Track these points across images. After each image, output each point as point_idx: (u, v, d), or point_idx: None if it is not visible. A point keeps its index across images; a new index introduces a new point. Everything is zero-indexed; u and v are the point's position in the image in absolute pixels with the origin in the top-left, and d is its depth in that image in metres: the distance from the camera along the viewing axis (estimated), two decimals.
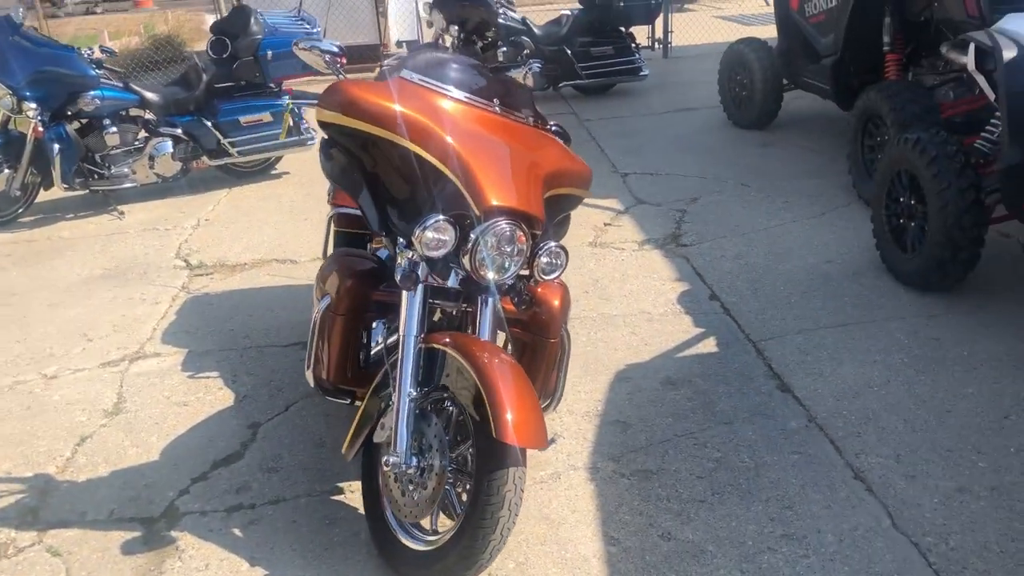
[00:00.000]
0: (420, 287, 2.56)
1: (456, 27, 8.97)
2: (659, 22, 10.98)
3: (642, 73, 9.41)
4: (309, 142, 6.85)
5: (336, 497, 3.07)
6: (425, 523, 2.65)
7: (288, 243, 5.58)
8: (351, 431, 2.78)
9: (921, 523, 2.78)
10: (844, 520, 2.81)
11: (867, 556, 2.65)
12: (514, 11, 9.30)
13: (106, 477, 3.25)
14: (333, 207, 3.73)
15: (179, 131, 6.46)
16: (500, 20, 9.00)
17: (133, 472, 3.27)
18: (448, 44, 9.09)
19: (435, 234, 2.44)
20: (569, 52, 9.22)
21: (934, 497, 2.89)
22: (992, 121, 4.27)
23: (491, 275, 2.53)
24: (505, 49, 9.24)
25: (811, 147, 7.02)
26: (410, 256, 2.54)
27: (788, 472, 3.07)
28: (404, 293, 2.58)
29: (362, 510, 2.97)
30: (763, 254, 5.00)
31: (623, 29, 9.38)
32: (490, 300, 2.65)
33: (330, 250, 3.89)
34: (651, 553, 2.72)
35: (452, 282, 2.60)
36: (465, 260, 2.50)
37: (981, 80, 4.29)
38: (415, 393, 2.53)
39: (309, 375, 2.95)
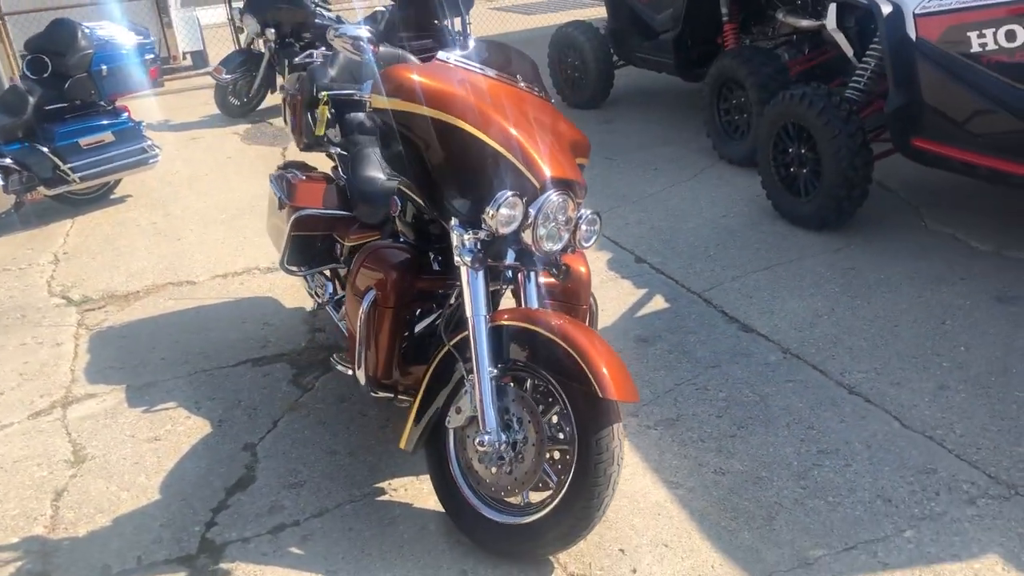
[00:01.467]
0: (484, 266, 2.56)
1: (272, 30, 8.72)
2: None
3: None
4: (152, 160, 6.44)
5: (382, 498, 2.98)
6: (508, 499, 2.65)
7: (174, 265, 5.23)
8: (409, 424, 2.72)
9: (925, 419, 3.13)
10: (861, 429, 3.10)
11: (897, 455, 2.95)
12: (329, 10, 9.13)
13: (110, 526, 2.96)
14: (292, 210, 3.58)
15: (8, 161, 5.85)
16: (316, 20, 8.84)
17: (138, 515, 3.00)
18: (263, 48, 8.82)
19: (508, 210, 2.45)
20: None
21: (924, 397, 3.26)
22: (857, 71, 4.79)
23: (549, 246, 2.57)
24: (323, 49, 9.08)
25: (651, 119, 7.47)
26: (476, 236, 2.52)
27: (791, 398, 3.33)
28: (465, 274, 2.56)
29: (416, 504, 2.92)
30: (662, 217, 5.30)
31: (443, 22, 9.44)
32: (533, 274, 2.69)
33: (285, 255, 3.73)
34: (715, 488, 2.88)
35: (510, 259, 2.60)
36: (526, 234, 2.53)
37: (840, 37, 4.80)
38: (495, 370, 2.53)
39: (360, 374, 2.85)
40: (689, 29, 6.53)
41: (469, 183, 2.54)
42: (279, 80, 8.87)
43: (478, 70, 2.64)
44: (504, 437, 2.52)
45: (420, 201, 2.64)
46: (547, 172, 2.50)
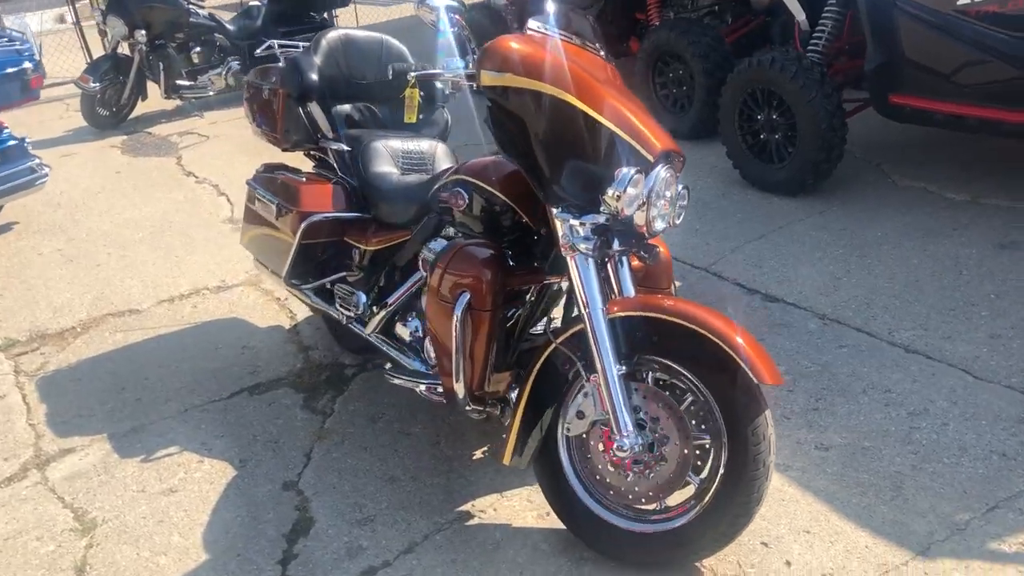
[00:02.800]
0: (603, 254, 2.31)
1: (142, 31, 8.02)
2: None
3: None
4: (41, 181, 5.75)
5: (472, 522, 2.68)
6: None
7: (105, 294, 4.64)
8: (513, 436, 2.45)
9: (995, 369, 3.11)
10: (939, 387, 3.05)
11: (987, 408, 2.91)
12: (201, 7, 8.48)
13: None
14: (300, 215, 3.18)
15: None
16: (191, 19, 8.21)
17: None
18: (132, 52, 8.10)
19: (635, 189, 2.21)
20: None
21: (981, 348, 3.25)
22: (815, 34, 4.79)
23: (659, 226, 2.35)
24: (199, 49, 8.45)
25: None
26: (595, 221, 2.27)
27: (853, 363, 3.25)
28: (576, 265, 2.30)
29: (515, 524, 2.65)
30: None
31: (320, 15, 8.98)
32: (625, 258, 2.47)
33: (288, 268, 3.33)
34: (826, 465, 2.75)
35: (617, 245, 2.35)
36: (639, 214, 2.29)
37: (793, 3, 4.80)
38: (623, 368, 2.29)
39: (460, 387, 2.52)
40: (610, 5, 6.42)
41: (582, 163, 2.27)
42: (157, 85, 8.18)
43: (567, 38, 2.38)
44: (640, 440, 2.29)
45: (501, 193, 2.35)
46: (658, 145, 2.28)
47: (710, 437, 2.30)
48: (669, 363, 2.31)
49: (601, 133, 2.24)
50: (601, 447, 2.39)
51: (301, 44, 3.74)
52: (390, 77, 2.50)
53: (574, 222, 2.27)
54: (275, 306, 4.27)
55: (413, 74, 2.43)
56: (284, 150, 3.53)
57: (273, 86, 3.42)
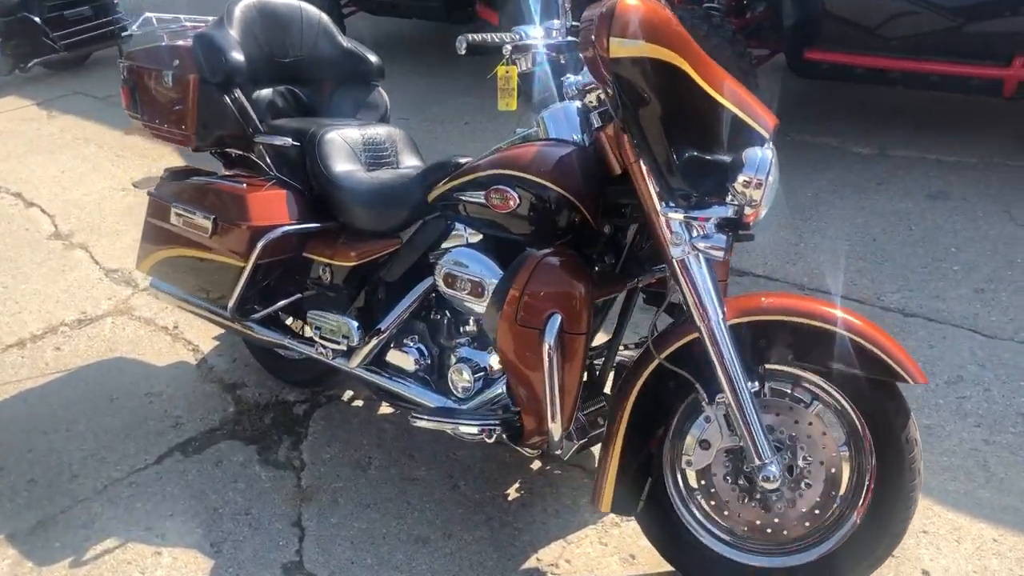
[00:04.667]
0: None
1: None
2: None
3: (126, 33, 8.00)
4: None
5: None
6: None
7: None
8: (612, 475, 2.04)
9: (1001, 325, 3.06)
10: (957, 350, 2.95)
11: (1015, 367, 2.86)
12: None
13: None
14: (253, 231, 2.55)
15: None
16: None
17: None
18: None
19: (771, 174, 1.86)
20: (38, 20, 7.39)
21: (974, 304, 3.20)
22: None
23: (765, 212, 2.02)
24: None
25: (414, 71, 6.78)
26: (723, 215, 1.89)
27: None
28: (690, 269, 1.92)
29: (601, 573, 2.26)
30: None
31: None
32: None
33: (237, 298, 2.69)
34: None
35: (723, 242, 1.98)
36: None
37: None
38: (755, 385, 1.95)
39: (556, 428, 2.05)
40: None
41: (706, 147, 1.88)
42: None
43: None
44: (780, 464, 1.97)
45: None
46: (771, 120, 1.94)
47: (849, 450, 2.01)
48: (798, 372, 1.99)
49: (721, 112, 1.86)
50: (728, 479, 2.04)
51: (184, 17, 3.04)
52: (462, 52, 1.96)
53: (696, 218, 1.88)
54: (166, 338, 3.52)
55: (508, 50, 1.90)
56: (195, 150, 2.84)
57: (179, 71, 2.72)
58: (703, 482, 2.06)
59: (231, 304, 2.67)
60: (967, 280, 3.34)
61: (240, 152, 2.85)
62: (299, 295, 2.75)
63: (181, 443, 2.89)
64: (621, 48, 1.72)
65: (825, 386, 1.98)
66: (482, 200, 2.17)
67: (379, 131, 2.77)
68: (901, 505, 1.97)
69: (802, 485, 1.99)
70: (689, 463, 2.02)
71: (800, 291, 3.38)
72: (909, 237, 3.69)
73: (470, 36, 1.89)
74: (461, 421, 2.27)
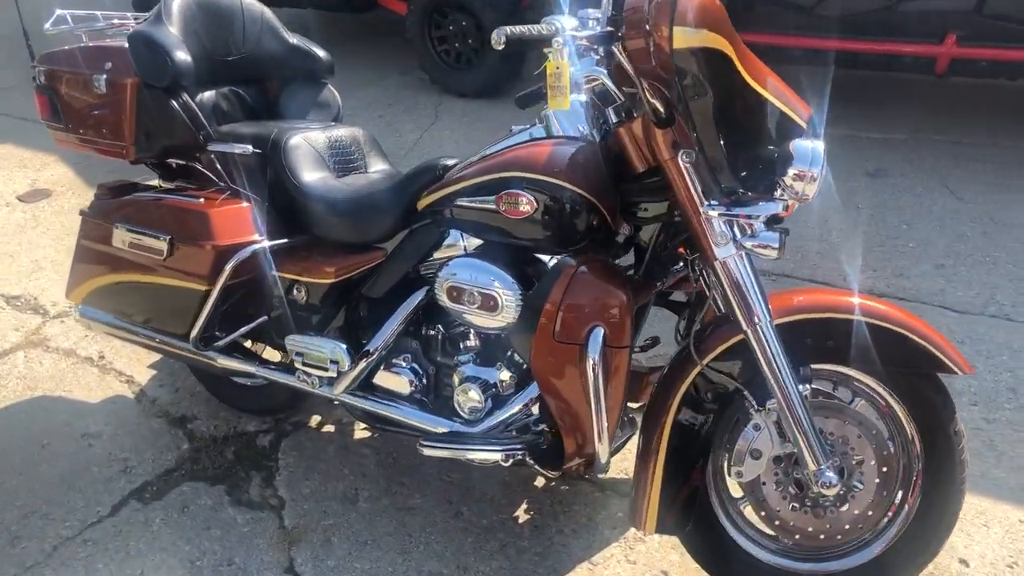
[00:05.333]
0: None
1: None
2: None
3: None
4: None
5: None
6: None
7: None
8: (654, 494, 1.92)
9: (968, 301, 3.12)
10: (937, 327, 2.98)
11: (995, 343, 2.89)
12: None
13: None
14: (219, 251, 2.29)
15: None
16: None
17: None
18: None
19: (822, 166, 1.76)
20: None
21: (937, 280, 3.27)
22: None
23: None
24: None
25: None
26: (773, 213, 1.78)
27: None
28: (736, 270, 1.80)
29: None
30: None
31: None
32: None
33: (201, 325, 2.41)
34: None
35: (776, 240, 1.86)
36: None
37: None
38: (807, 388, 1.85)
39: (603, 448, 1.88)
40: None
41: (752, 140, 1.76)
42: None
43: None
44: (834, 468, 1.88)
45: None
46: (807, 108, 1.84)
47: (896, 447, 1.95)
48: (844, 371, 1.91)
49: (765, 104, 1.74)
50: (778, 487, 1.94)
51: (102, 14, 2.72)
52: (501, 45, 1.75)
53: (741, 216, 1.76)
54: (92, 370, 3.17)
55: (558, 43, 1.69)
56: (133, 162, 2.54)
57: (113, 75, 2.42)
58: (753, 493, 1.95)
59: (194, 333, 2.40)
60: (925, 256, 3.37)
61: (183, 162, 2.56)
62: (264, 317, 2.49)
63: (136, 489, 2.59)
64: (684, 37, 1.57)
65: (870, 383, 1.91)
66: (492, 206, 1.98)
67: (342, 133, 2.53)
68: (952, 499, 1.92)
69: (854, 487, 1.91)
70: (740, 475, 1.91)
71: (771, 280, 3.34)
72: (858, 216, 3.71)
73: (508, 29, 1.70)
74: (480, 447, 2.09)
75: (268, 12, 2.73)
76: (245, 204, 2.36)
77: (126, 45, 2.41)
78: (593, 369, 1.80)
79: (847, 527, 1.93)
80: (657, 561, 2.19)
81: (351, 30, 6.83)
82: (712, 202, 1.76)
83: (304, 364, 2.33)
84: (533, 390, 2.08)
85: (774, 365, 1.79)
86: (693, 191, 1.77)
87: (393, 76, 5.82)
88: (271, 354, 2.69)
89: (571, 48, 1.72)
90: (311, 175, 2.35)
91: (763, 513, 1.96)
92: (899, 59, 3.92)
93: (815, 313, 1.85)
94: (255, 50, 2.68)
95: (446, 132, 5.06)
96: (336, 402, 2.38)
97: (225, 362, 2.46)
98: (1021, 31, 3.64)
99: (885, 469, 1.91)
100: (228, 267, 2.26)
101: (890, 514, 1.95)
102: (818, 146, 1.69)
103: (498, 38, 1.69)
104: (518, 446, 2.04)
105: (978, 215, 3.66)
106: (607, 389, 1.83)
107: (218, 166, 2.46)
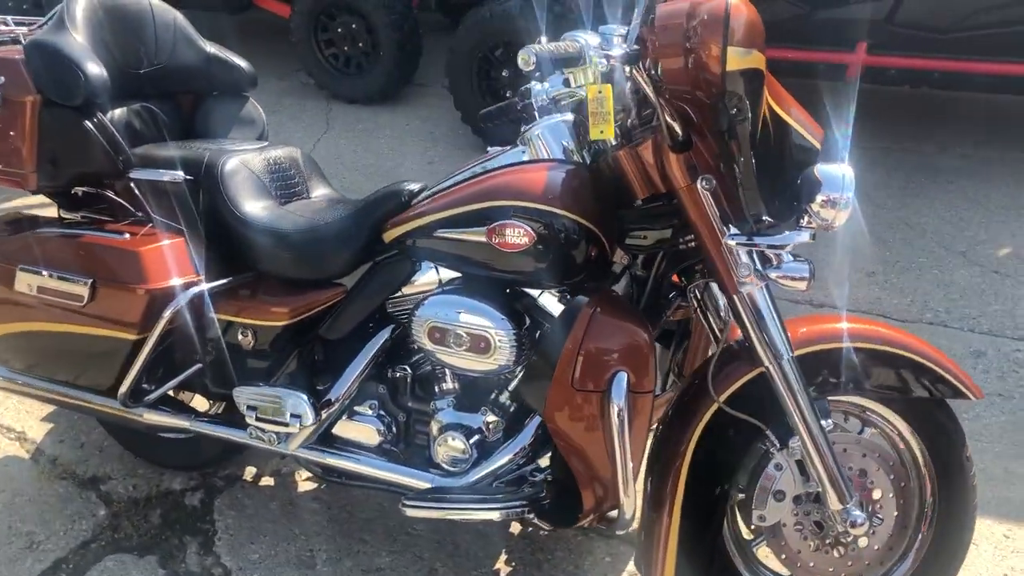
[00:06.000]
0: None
1: None
2: None
3: None
4: None
5: None
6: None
7: None
8: (672, 545, 1.79)
9: (905, 308, 3.17)
10: None
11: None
12: None
13: None
14: (153, 296, 1.99)
15: None
16: None
17: None
18: None
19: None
20: None
21: (872, 288, 3.31)
22: None
23: None
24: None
25: None
26: (796, 242, 1.67)
27: None
28: (758, 302, 1.69)
29: None
30: (367, 178, 4.35)
31: None
32: None
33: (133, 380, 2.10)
34: None
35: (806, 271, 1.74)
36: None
37: None
38: (828, 423, 1.76)
39: (629, 502, 1.71)
40: None
41: (775, 167, 1.65)
42: None
43: None
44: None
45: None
46: (819, 132, 1.75)
47: (910, 477, 1.89)
48: (860, 402, 1.84)
49: (788, 127, 1.64)
50: (798, 528, 1.84)
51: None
52: (531, 66, 1.52)
53: (772, 247, 1.64)
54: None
55: (594, 61, 1.47)
56: (35, 192, 2.19)
57: (7, 91, 2.08)
58: (773, 535, 1.85)
59: (124, 388, 2.08)
60: (854, 265, 3.39)
61: (92, 190, 2.23)
62: (198, 365, 2.19)
63: (48, 569, 2.24)
64: (737, 59, 1.43)
65: (883, 413, 1.84)
66: (482, 238, 1.79)
67: (279, 153, 2.27)
68: (966, 527, 1.89)
69: (875, 521, 1.84)
70: (762, 518, 1.80)
71: None
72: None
73: (537, 47, 1.51)
74: (476, 506, 1.89)
75: (181, 18, 2.44)
76: (177, 238, 2.07)
77: (19, 57, 2.07)
78: (619, 417, 1.65)
79: (867, 563, 1.85)
80: None
81: (222, 32, 6.40)
82: (733, 231, 1.63)
83: (258, 419, 2.06)
84: (525, 436, 1.92)
85: (798, 401, 1.69)
86: (713, 219, 1.63)
87: (271, 81, 5.48)
88: (200, 403, 2.39)
89: (605, 69, 1.54)
90: (254, 204, 2.09)
91: (783, 556, 1.85)
92: (814, 67, 3.95)
93: (830, 343, 1.76)
94: (169, 61, 2.38)
95: (342, 141, 4.78)
96: (286, 456, 2.12)
97: (158, 419, 2.15)
98: (929, 40, 3.74)
99: (903, 501, 1.84)
100: (166, 313, 1.97)
101: (907, 545, 1.88)
102: (847, 171, 1.59)
103: (528, 57, 1.50)
104: (518, 502, 1.86)
105: (895, 221, 3.73)
106: (632, 437, 1.67)
107: (138, 195, 2.15)
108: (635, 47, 1.52)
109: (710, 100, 1.47)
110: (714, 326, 1.99)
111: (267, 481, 2.51)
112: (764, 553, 1.93)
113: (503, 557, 2.22)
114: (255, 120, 2.52)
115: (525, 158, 1.91)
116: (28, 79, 2.05)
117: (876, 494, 1.83)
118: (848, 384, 1.78)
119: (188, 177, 2.08)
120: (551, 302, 1.96)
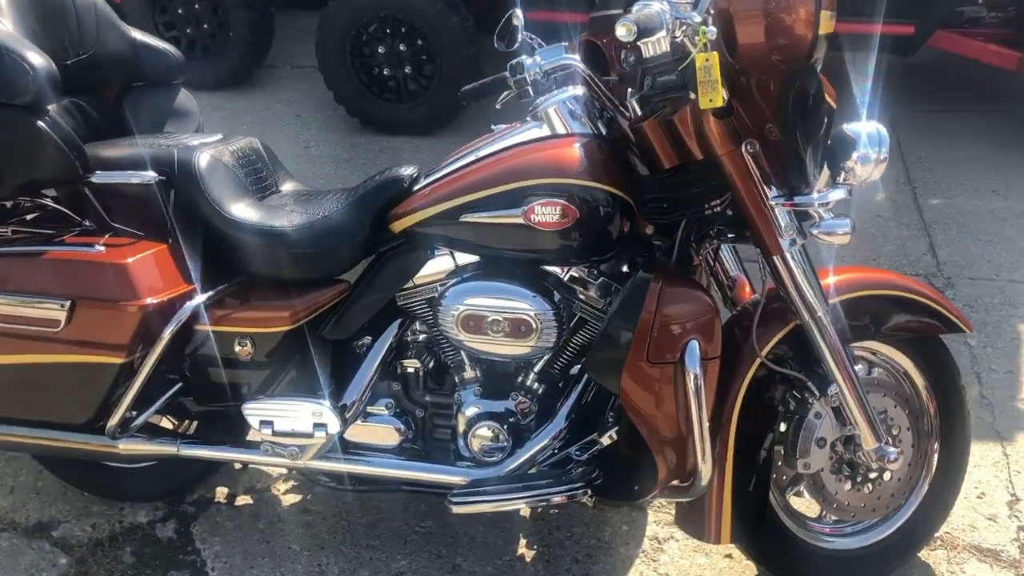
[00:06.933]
0: None
1: None
2: None
3: None
4: None
5: None
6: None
7: None
8: (727, 501, 1.83)
9: None
10: None
11: None
12: None
13: None
14: (146, 311, 1.79)
15: None
16: None
17: None
18: None
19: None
20: None
21: None
22: None
23: None
24: None
25: None
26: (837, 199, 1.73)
27: None
28: (795, 261, 1.75)
29: None
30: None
31: None
32: None
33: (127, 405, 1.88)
34: None
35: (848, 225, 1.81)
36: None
37: None
38: (860, 367, 1.87)
39: (707, 467, 1.70)
40: None
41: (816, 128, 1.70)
42: None
43: None
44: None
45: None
46: (832, 92, 1.83)
47: (914, 409, 2.04)
48: (876, 345, 1.96)
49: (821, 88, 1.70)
50: (833, 472, 1.94)
51: None
52: (632, 36, 1.41)
53: (816, 205, 1.70)
54: None
55: (706, 28, 1.41)
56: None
57: None
58: (812, 482, 1.93)
59: (115, 418, 1.86)
60: None
61: (30, 200, 1.97)
62: (180, 384, 2.00)
63: None
64: (825, 23, 1.46)
65: (889, 353, 1.97)
66: (519, 219, 1.74)
67: (243, 145, 2.10)
68: (965, 447, 2.06)
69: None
70: (807, 466, 1.88)
71: None
72: None
73: (633, 17, 1.45)
74: (529, 494, 1.85)
75: (102, 1, 2.17)
76: (159, 247, 1.86)
77: None
78: (695, 384, 1.66)
79: (892, 493, 1.98)
80: (687, 568, 2.11)
81: None
82: (775, 193, 1.68)
83: (275, 433, 1.90)
84: (560, 418, 1.90)
85: (836, 351, 1.78)
86: (757, 182, 1.67)
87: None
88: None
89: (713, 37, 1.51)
90: (237, 202, 1.93)
91: (822, 499, 1.94)
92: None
93: (847, 293, 1.86)
94: (94, 49, 2.12)
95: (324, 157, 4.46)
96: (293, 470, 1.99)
97: (147, 448, 1.95)
98: None
99: (917, 433, 1.98)
100: (167, 331, 1.79)
101: (919, 473, 2.03)
102: (879, 127, 1.67)
103: (629, 27, 1.45)
104: (575, 484, 1.84)
105: None
106: (707, 405, 1.69)
107: (92, 201, 1.91)
108: (707, 14, 1.51)
109: (794, 64, 1.49)
110: (725, 287, 2.06)
111: (244, 500, 2.34)
112: (796, 501, 2.01)
113: (523, 542, 2.19)
114: (190, 111, 2.30)
115: (541, 133, 1.87)
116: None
117: (894, 430, 1.94)
118: (869, 329, 1.88)
119: (161, 177, 1.88)
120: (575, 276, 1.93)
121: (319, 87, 4.52)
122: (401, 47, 4.14)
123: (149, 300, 1.77)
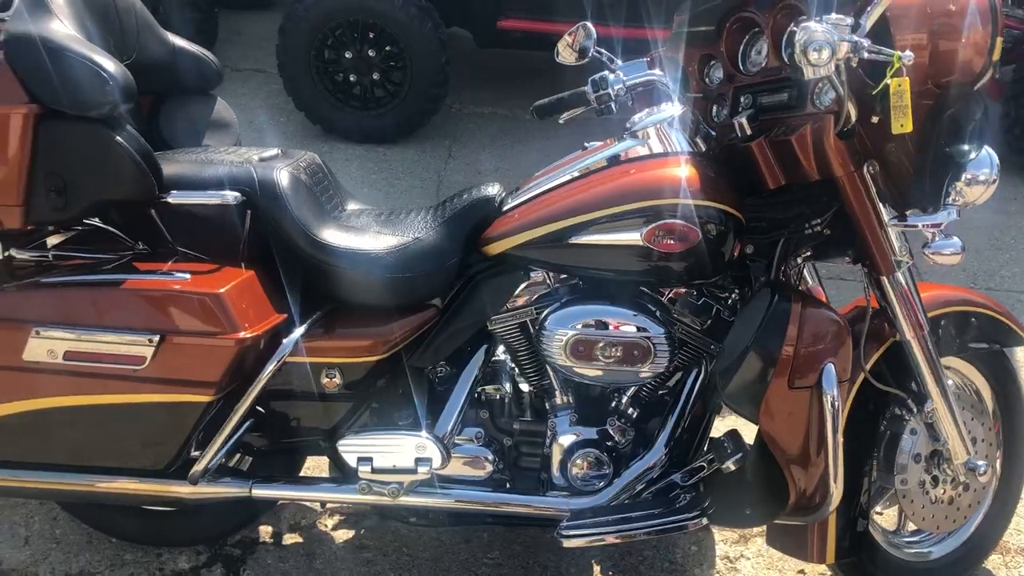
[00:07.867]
0: None
1: None
2: None
3: None
4: None
5: None
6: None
7: None
8: (831, 519, 1.84)
9: None
10: None
11: None
12: None
13: None
14: (243, 344, 1.64)
15: None
16: None
17: None
18: None
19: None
20: None
21: None
22: None
23: None
24: None
25: None
26: (947, 219, 1.76)
27: None
28: (901, 281, 1.78)
29: None
30: None
31: None
32: None
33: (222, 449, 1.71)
34: None
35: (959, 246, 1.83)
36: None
37: None
38: (950, 382, 1.92)
39: (838, 490, 1.68)
40: None
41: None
42: None
43: None
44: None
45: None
46: None
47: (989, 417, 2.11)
48: (950, 359, 2.02)
49: None
50: (922, 485, 1.97)
51: None
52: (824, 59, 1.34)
53: (929, 225, 1.73)
54: None
55: (901, 54, 1.35)
56: (18, 232, 1.71)
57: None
58: (904, 497, 1.96)
59: (203, 463, 1.70)
60: None
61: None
62: (250, 420, 1.85)
63: None
64: (998, 49, 1.47)
65: (959, 366, 2.03)
66: (637, 241, 1.70)
67: (307, 161, 1.96)
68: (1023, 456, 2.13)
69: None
70: (904, 482, 1.90)
71: None
72: None
73: (811, 28, 1.41)
74: (645, 524, 1.80)
75: (140, 3, 2.00)
76: (246, 272, 1.72)
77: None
78: (834, 405, 1.65)
79: (969, 504, 2.03)
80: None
81: None
82: (891, 214, 1.71)
83: (374, 471, 1.78)
84: (660, 446, 1.87)
85: (934, 368, 1.81)
86: (875, 204, 1.69)
87: None
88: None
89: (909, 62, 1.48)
90: (323, 224, 1.80)
91: (911, 513, 1.97)
92: None
93: (940, 309, 1.90)
94: (138, 55, 1.95)
95: None
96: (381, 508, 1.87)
97: (229, 491, 1.79)
98: None
99: (991, 443, 2.04)
100: (270, 366, 1.65)
101: (987, 484, 2.09)
102: (990, 150, 1.71)
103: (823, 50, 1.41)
104: (690, 512, 1.80)
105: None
106: (837, 430, 1.69)
107: (158, 222, 1.75)
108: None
109: (957, 88, 1.50)
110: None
111: (292, 538, 2.19)
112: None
113: (596, 569, 2.14)
114: (228, 123, 2.14)
115: (643, 151, 1.83)
116: (17, 84, 1.57)
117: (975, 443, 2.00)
118: (952, 345, 1.93)
119: (241, 197, 1.73)
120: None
121: (265, 91, 4.34)
122: (370, 52, 3.99)
123: (244, 333, 1.62)
